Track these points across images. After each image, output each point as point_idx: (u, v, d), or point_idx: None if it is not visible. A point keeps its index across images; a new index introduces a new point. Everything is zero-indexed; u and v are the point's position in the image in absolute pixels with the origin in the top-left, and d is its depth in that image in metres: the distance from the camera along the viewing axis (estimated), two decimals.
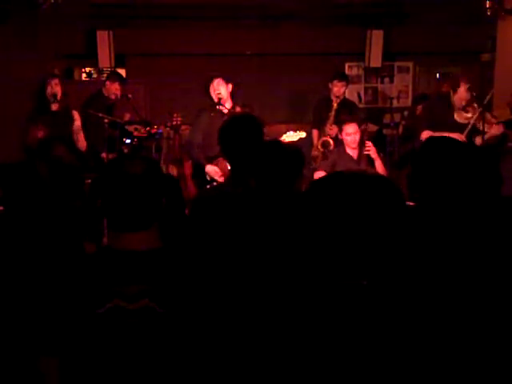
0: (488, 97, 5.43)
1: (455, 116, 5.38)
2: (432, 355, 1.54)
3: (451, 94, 5.40)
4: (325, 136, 6.10)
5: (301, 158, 2.65)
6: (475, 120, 5.29)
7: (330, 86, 6.25)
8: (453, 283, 1.97)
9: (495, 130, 5.24)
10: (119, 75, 6.72)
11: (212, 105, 5.04)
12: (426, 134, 5.20)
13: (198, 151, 4.91)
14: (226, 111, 4.95)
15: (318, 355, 1.50)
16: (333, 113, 6.12)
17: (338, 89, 6.17)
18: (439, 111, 5.49)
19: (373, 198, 1.53)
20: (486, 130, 5.24)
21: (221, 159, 4.83)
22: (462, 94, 5.32)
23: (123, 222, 1.68)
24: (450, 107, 5.40)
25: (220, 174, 4.69)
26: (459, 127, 5.28)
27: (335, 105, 6.14)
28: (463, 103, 5.35)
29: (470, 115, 5.33)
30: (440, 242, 2.09)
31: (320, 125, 6.25)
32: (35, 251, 2.51)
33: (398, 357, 1.50)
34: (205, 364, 1.64)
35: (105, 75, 7.82)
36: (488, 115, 5.41)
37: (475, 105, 5.38)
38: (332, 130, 6.06)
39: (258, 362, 1.63)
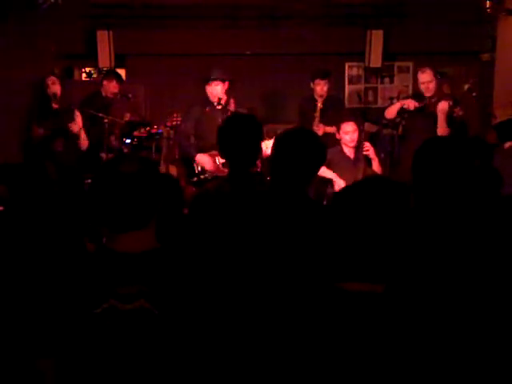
0: None
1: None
2: (439, 360, 1.53)
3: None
4: None
5: (323, 153, 2.56)
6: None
7: (311, 85, 6.10)
8: (454, 285, 1.97)
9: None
10: (116, 73, 6.72)
11: (206, 101, 5.11)
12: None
13: (189, 142, 4.99)
14: (219, 107, 5.05)
15: (322, 359, 1.50)
16: (318, 113, 6.02)
17: (320, 87, 6.03)
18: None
19: (388, 202, 1.55)
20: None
21: (214, 152, 4.87)
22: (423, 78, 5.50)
23: (118, 222, 1.66)
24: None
25: (211, 164, 4.70)
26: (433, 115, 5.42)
27: (319, 104, 6.04)
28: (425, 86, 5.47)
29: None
30: (441, 243, 2.09)
31: (306, 125, 5.98)
32: (36, 251, 2.50)
33: (407, 362, 1.48)
34: (200, 365, 1.63)
35: None
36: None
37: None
38: (319, 129, 5.92)
39: (255, 365, 1.62)
